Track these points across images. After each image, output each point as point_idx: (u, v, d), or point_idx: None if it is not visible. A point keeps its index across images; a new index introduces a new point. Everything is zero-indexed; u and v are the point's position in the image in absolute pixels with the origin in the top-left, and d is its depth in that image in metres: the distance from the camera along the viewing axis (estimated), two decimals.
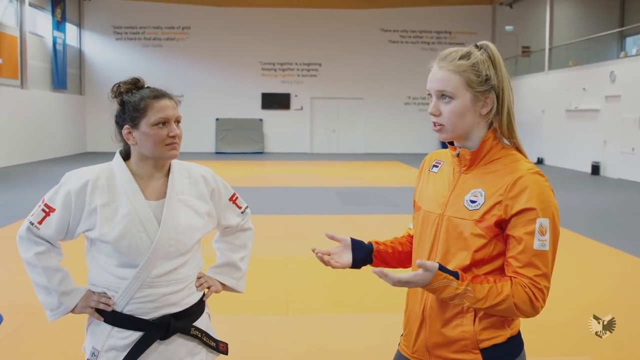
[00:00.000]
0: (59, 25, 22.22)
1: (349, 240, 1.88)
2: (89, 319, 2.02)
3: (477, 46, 1.70)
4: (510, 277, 1.60)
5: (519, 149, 1.72)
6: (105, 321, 1.95)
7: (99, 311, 1.95)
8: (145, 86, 2.01)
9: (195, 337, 2.03)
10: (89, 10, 25.00)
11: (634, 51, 17.58)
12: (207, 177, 2.12)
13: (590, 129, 17.97)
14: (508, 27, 25.84)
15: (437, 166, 1.85)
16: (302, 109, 26.21)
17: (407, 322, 1.84)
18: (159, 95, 1.96)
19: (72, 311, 1.99)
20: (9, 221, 8.70)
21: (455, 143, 1.75)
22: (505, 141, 1.72)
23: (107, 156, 2.01)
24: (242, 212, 2.25)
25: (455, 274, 1.58)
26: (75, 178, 1.96)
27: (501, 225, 1.62)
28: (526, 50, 23.93)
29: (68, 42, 23.24)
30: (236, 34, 25.51)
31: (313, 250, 1.83)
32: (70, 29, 23.80)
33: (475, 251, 1.64)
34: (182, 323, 1.99)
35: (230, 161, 21.05)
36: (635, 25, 20.36)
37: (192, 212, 2.02)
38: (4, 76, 18.21)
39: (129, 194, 1.94)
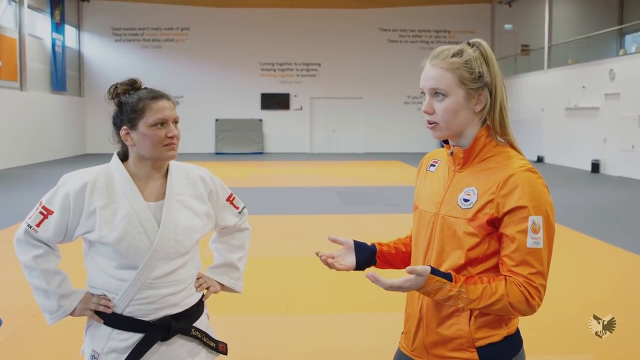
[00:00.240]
0: (57, 27, 22.23)
1: (352, 242, 1.88)
2: (88, 321, 2.01)
3: (469, 44, 1.70)
4: (505, 276, 1.60)
5: (513, 146, 1.72)
6: (105, 323, 1.94)
7: (99, 313, 1.94)
8: (143, 87, 2.01)
9: (195, 337, 2.02)
10: (87, 12, 25.00)
11: (633, 49, 17.57)
12: (205, 178, 2.12)
13: (590, 127, 17.96)
14: (507, 26, 25.84)
15: (434, 165, 1.85)
16: (301, 109, 26.21)
17: (406, 320, 1.85)
18: (156, 96, 1.96)
19: (72, 314, 1.98)
20: (9, 223, 8.70)
21: (449, 141, 1.75)
22: (500, 138, 1.72)
23: (107, 158, 2.01)
24: (239, 213, 2.25)
25: (448, 276, 1.57)
26: (73, 180, 1.95)
27: (494, 223, 1.62)
28: (525, 49, 23.93)
29: (67, 43, 23.25)
30: (235, 34, 25.52)
31: (317, 254, 1.83)
32: (69, 30, 23.81)
33: (469, 250, 1.64)
34: (182, 324, 1.98)
35: (230, 162, 21.05)
36: (635, 22, 20.36)
37: (191, 213, 2.02)
38: (3, 78, 18.21)
39: (128, 195, 1.93)
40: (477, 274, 1.64)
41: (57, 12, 22.11)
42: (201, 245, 2.12)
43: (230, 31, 25.49)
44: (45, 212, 1.93)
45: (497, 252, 1.64)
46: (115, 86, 1.99)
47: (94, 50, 25.15)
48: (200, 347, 2.05)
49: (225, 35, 25.45)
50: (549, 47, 21.46)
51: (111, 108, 1.99)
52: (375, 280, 1.52)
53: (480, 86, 1.66)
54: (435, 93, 1.67)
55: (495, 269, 1.65)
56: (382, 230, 8.38)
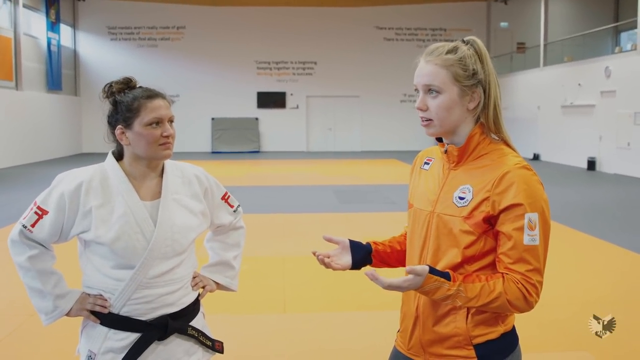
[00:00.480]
0: (53, 26, 22.17)
1: (347, 241, 1.88)
2: (84, 322, 2.00)
3: (464, 41, 1.70)
4: (502, 273, 1.60)
5: (507, 144, 1.72)
6: (101, 323, 1.94)
7: (95, 313, 1.94)
8: (138, 86, 2.00)
9: (192, 336, 2.02)
10: (83, 11, 24.94)
11: (628, 46, 17.59)
12: (200, 177, 2.12)
13: (586, 124, 18.00)
14: (503, 24, 25.87)
15: (428, 163, 1.85)
16: (298, 107, 26.21)
17: (402, 319, 1.85)
18: (152, 95, 1.95)
19: (68, 314, 1.97)
20: (4, 223, 8.68)
21: (443, 139, 1.75)
22: (494, 136, 1.71)
23: (103, 157, 2.00)
24: (234, 211, 2.25)
25: (446, 275, 1.58)
26: (68, 179, 1.94)
27: (490, 221, 1.62)
28: (521, 47, 23.95)
29: (62, 43, 23.19)
30: (231, 33, 25.49)
31: (314, 253, 1.83)
32: (65, 29, 23.74)
33: (466, 248, 1.64)
34: (179, 323, 1.98)
35: (226, 160, 21.04)
36: (630, 20, 20.37)
37: (187, 212, 2.01)
38: None
39: (123, 194, 1.92)
40: (474, 271, 1.65)
41: (52, 11, 22.05)
42: (196, 244, 2.11)
43: (226, 30, 25.46)
44: (40, 212, 1.91)
45: (493, 250, 1.64)
46: (110, 85, 1.98)
47: (89, 49, 25.10)
48: (197, 346, 2.05)
49: (221, 34, 25.42)
50: (545, 45, 21.49)
51: (106, 107, 1.98)
52: (374, 279, 1.52)
53: (474, 83, 1.66)
54: (429, 90, 1.67)
55: (492, 266, 1.65)
56: (379, 229, 8.38)
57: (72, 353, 2.11)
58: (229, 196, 2.23)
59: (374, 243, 1.94)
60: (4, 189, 13.10)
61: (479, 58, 1.67)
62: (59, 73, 22.62)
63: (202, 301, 2.15)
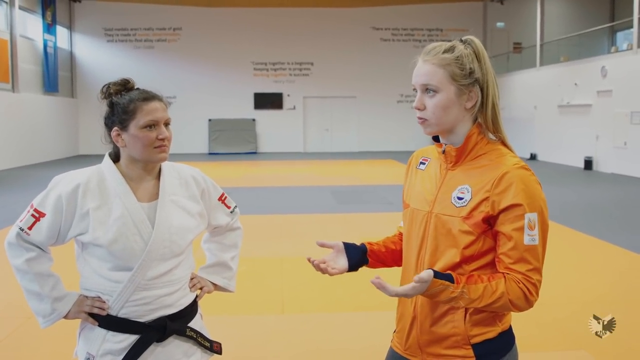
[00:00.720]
0: (49, 28, 22.13)
1: (342, 244, 1.87)
2: (82, 324, 2.00)
3: (462, 40, 1.70)
4: (504, 273, 1.61)
5: (505, 144, 1.72)
6: (99, 325, 1.93)
7: (93, 315, 1.93)
8: (135, 87, 2.00)
9: (190, 337, 2.02)
10: (79, 12, 24.90)
11: (624, 46, 17.63)
12: (197, 178, 2.12)
13: (583, 124, 18.03)
14: (499, 24, 25.90)
15: (424, 163, 1.85)
16: (294, 108, 26.20)
17: (399, 319, 1.84)
18: (148, 97, 1.94)
19: (65, 317, 1.97)
20: (1, 226, 8.64)
21: (440, 139, 1.75)
22: (491, 136, 1.72)
23: (101, 159, 2.00)
24: (231, 212, 2.24)
25: (450, 278, 1.57)
26: (65, 181, 1.93)
27: (489, 221, 1.62)
28: (517, 47, 23.99)
29: (59, 44, 23.15)
30: (227, 34, 25.48)
31: (309, 260, 1.82)
32: (61, 31, 23.70)
33: (464, 248, 1.64)
34: (177, 324, 1.98)
35: (223, 162, 21.03)
36: (626, 20, 20.41)
37: (184, 213, 2.01)
38: None
39: (121, 196, 1.92)
40: (472, 270, 1.65)
41: (48, 13, 22.00)
42: (194, 245, 2.11)
43: (223, 31, 25.45)
44: (37, 215, 1.91)
45: (491, 250, 1.65)
46: (108, 86, 1.97)
47: (86, 51, 25.06)
48: (195, 347, 2.05)
49: (217, 35, 25.41)
50: (541, 45, 21.53)
51: (103, 108, 1.98)
52: (381, 287, 1.52)
53: (471, 82, 1.66)
54: (427, 89, 1.67)
55: (490, 265, 1.65)
56: (376, 229, 8.38)
57: (70, 355, 2.11)
58: (226, 197, 2.23)
59: (369, 243, 1.93)
60: (1, 191, 13.07)
61: (477, 57, 1.67)
62: (56, 75, 22.58)
63: (199, 302, 2.15)
